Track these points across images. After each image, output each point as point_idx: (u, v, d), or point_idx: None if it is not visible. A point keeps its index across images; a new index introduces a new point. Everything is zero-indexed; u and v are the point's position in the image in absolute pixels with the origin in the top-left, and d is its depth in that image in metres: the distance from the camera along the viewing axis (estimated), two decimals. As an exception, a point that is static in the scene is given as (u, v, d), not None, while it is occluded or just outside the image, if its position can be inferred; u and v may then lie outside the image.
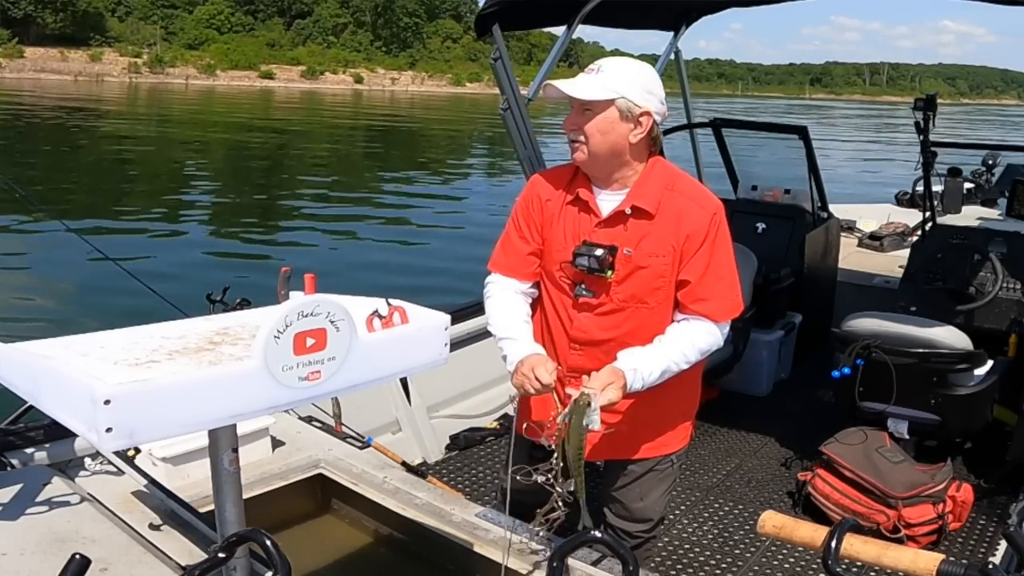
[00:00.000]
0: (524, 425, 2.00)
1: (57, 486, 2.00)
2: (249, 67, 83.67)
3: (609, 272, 1.95)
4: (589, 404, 1.74)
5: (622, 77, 1.92)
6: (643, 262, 1.96)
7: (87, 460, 2.15)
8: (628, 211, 1.97)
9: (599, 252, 1.94)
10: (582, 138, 1.94)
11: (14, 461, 2.11)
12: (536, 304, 2.17)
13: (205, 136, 27.12)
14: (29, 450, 2.15)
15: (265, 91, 68.72)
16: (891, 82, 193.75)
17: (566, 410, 1.76)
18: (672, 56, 4.53)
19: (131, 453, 2.17)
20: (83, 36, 77.58)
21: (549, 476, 1.79)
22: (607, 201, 2.01)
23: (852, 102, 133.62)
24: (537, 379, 1.87)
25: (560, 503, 1.82)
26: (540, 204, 2.08)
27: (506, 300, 2.10)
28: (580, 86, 1.92)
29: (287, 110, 43.95)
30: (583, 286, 2.01)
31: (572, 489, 1.79)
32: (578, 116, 1.94)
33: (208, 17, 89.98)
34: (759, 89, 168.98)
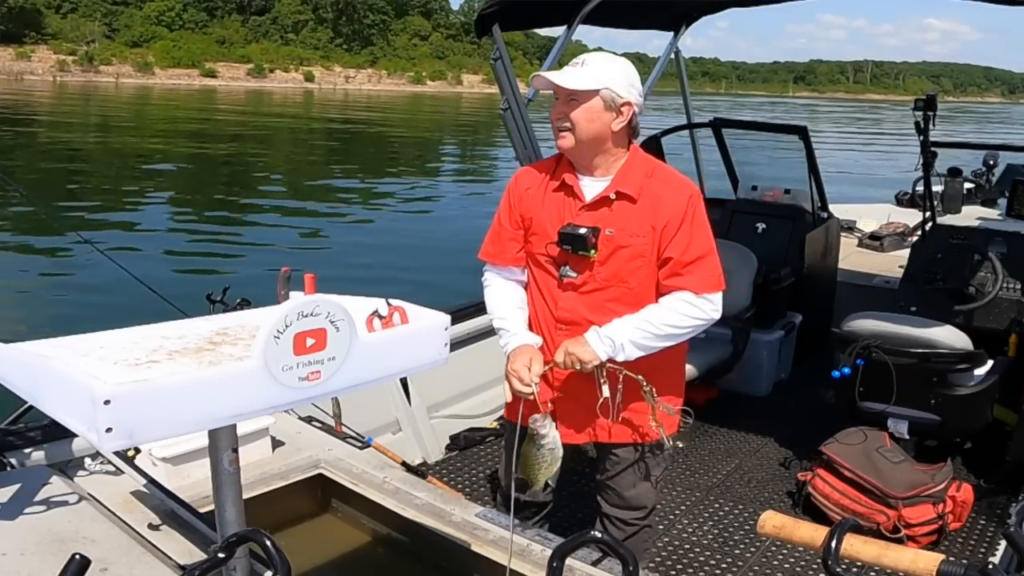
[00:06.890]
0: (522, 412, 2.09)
1: (56, 486, 2.00)
2: (192, 65, 79.26)
3: (593, 251, 2.05)
4: (537, 434, 1.99)
5: (606, 70, 2.04)
6: (624, 242, 2.07)
7: (86, 460, 2.15)
8: (612, 196, 2.08)
9: (583, 231, 2.05)
10: (568, 125, 2.05)
11: (13, 461, 2.11)
12: (526, 289, 2.28)
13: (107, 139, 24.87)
14: (28, 450, 2.15)
15: (205, 90, 64.00)
16: (875, 80, 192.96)
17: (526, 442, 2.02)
18: (672, 56, 4.54)
19: (131, 453, 2.18)
20: (19, 33, 73.86)
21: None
22: (591, 187, 2.12)
23: (835, 100, 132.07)
24: (520, 381, 2.04)
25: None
26: (520, 193, 2.20)
27: (500, 288, 2.25)
28: (569, 77, 2.03)
29: (205, 116, 37.59)
30: (567, 267, 2.12)
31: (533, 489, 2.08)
32: (564, 105, 2.05)
33: (158, 14, 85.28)
34: (743, 87, 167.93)
